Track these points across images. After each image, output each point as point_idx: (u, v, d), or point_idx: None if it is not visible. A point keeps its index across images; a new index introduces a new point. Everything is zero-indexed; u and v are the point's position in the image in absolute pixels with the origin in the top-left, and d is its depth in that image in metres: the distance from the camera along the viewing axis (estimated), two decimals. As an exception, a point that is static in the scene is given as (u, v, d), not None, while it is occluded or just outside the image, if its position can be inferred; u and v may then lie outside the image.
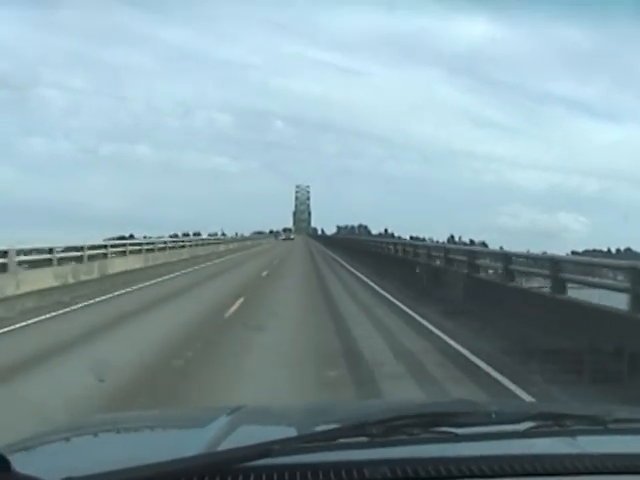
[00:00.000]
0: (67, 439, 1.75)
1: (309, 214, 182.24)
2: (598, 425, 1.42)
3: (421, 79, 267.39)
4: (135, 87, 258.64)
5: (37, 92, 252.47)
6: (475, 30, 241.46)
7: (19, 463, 1.08)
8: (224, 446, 1.36)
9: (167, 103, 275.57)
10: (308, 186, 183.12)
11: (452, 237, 74.96)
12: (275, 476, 1.18)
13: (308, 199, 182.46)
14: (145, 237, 33.13)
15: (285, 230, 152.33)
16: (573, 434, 1.41)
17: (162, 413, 3.05)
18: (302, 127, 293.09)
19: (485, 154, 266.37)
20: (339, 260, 33.35)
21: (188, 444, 1.46)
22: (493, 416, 1.54)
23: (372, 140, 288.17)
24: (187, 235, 66.27)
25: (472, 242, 46.12)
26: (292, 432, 1.61)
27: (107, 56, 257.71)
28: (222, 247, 46.06)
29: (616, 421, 1.46)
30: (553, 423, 1.42)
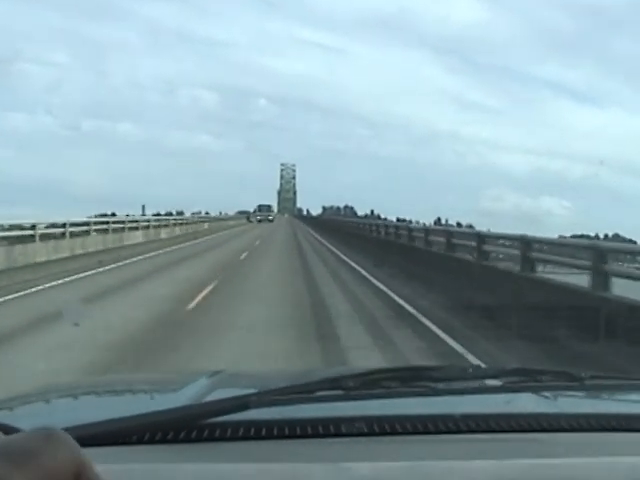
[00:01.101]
0: (46, 400, 1.85)
1: (294, 193, 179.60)
2: (575, 382, 1.50)
3: (406, 60, 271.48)
4: (118, 64, 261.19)
5: (18, 67, 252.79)
6: (461, 12, 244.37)
7: None
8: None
9: (151, 80, 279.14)
10: (294, 164, 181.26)
11: (439, 219, 78.45)
12: (252, 430, 1.24)
13: (294, 178, 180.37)
14: (128, 215, 37.01)
15: (262, 207, 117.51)
16: (550, 389, 1.52)
17: (140, 377, 3.21)
18: (286, 106, 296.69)
19: (469, 136, 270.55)
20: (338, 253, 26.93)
21: (165, 402, 1.55)
22: (470, 371, 1.61)
23: (357, 120, 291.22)
24: (170, 214, 68.90)
25: (459, 224, 49.74)
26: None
27: (90, 32, 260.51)
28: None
29: (593, 377, 1.54)
30: (530, 379, 1.50)
